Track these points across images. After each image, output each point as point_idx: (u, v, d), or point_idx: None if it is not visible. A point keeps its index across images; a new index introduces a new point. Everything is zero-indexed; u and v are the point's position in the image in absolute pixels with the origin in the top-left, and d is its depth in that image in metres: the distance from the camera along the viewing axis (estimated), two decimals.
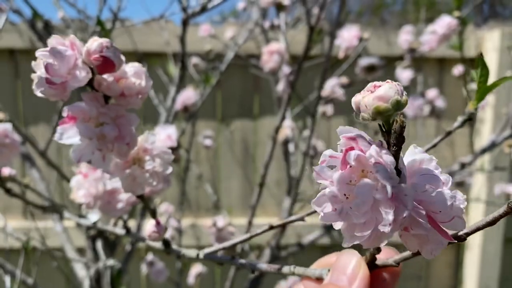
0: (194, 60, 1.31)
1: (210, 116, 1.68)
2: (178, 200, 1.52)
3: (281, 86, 0.73)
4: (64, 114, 0.37)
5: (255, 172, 1.74)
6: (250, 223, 0.73)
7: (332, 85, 0.86)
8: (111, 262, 0.84)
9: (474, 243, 1.74)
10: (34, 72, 0.35)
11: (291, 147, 1.03)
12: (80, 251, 1.12)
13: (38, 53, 0.34)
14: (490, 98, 1.64)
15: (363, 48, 1.70)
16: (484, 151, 0.89)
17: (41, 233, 1.03)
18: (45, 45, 0.35)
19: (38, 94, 0.35)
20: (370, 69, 0.71)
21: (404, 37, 0.89)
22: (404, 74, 0.98)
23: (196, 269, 1.17)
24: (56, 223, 0.99)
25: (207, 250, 0.43)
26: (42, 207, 0.60)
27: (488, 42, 1.66)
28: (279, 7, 0.86)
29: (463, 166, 0.90)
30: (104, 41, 0.35)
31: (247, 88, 1.69)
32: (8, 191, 0.57)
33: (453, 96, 1.71)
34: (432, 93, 1.01)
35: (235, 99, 1.70)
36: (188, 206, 1.70)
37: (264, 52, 0.66)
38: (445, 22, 0.67)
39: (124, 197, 0.50)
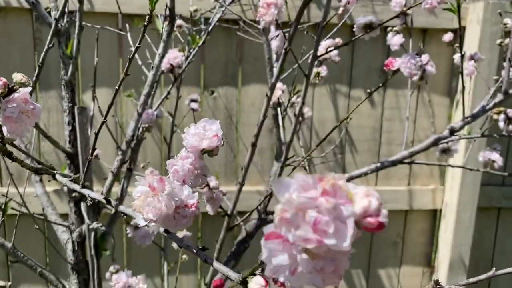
0: (178, 21, 1.26)
1: (193, 83, 1.64)
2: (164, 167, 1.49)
3: (276, 42, 0.71)
4: None
5: (238, 140, 1.72)
6: (241, 185, 0.71)
7: (327, 45, 0.84)
8: (95, 224, 0.82)
9: (449, 211, 1.79)
10: None
11: (288, 111, 1.01)
12: (62, 216, 1.09)
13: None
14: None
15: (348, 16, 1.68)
16: (474, 116, 0.89)
17: (21, 198, 0.99)
18: None
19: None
20: (368, 27, 0.69)
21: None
22: (395, 38, 0.97)
23: (180, 234, 1.15)
24: (36, 186, 0.95)
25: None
26: (36, 169, 0.57)
27: (472, 13, 1.66)
28: None
29: (452, 132, 0.91)
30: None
31: (231, 55, 1.65)
32: (10, 155, 0.53)
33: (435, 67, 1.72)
34: (422, 58, 1.01)
35: (219, 66, 1.66)
36: None
37: (260, 4, 0.64)
38: None
39: (190, 212, 0.46)
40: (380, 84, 0.85)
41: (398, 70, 0.73)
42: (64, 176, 0.56)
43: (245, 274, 0.38)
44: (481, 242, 1.90)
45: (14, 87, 0.48)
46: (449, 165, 1.04)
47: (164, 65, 0.94)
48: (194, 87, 1.65)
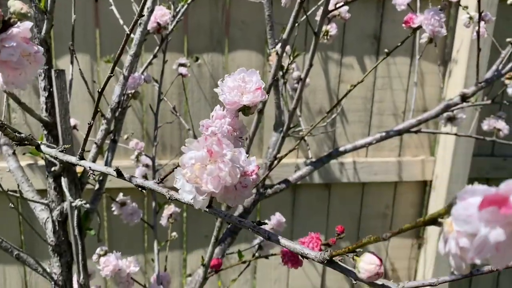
0: None
1: (176, 49, 1.53)
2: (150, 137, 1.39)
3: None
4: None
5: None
6: (248, 151, 0.64)
7: (337, 1, 0.76)
8: (78, 202, 0.73)
9: (440, 183, 1.76)
10: None
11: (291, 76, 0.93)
12: (39, 193, 0.99)
13: None
14: (465, 40, 1.60)
15: None
16: (488, 81, 0.83)
17: None
18: None
19: None
20: None
21: None
22: None
23: (169, 210, 1.08)
24: (9, 160, 0.85)
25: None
26: (20, 139, 0.47)
27: None
28: None
29: (464, 98, 0.85)
30: None
31: (217, 18, 1.54)
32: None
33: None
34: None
35: (204, 30, 1.55)
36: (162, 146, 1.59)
37: None
38: None
39: (250, 182, 0.37)
40: (388, 51, 0.77)
41: (419, 27, 0.66)
42: (50, 147, 0.47)
43: (335, 252, 0.31)
44: None
45: (12, 20, 0.36)
46: (456, 134, 0.99)
47: (151, 24, 0.84)
48: (177, 53, 1.54)
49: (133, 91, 0.79)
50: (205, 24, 1.54)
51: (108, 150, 0.85)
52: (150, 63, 0.89)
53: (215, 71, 1.59)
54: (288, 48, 0.83)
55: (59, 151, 0.47)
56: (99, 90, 0.50)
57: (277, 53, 0.64)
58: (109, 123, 0.76)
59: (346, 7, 0.82)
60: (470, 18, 0.99)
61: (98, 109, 0.77)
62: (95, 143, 0.77)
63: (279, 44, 0.83)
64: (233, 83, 0.41)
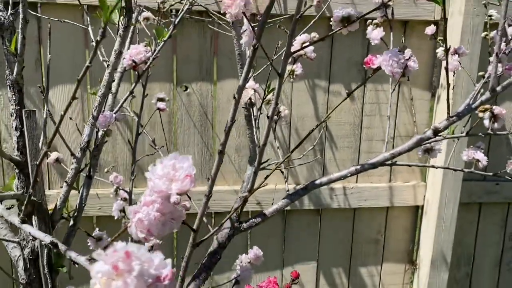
0: (145, 14, 1.17)
1: (165, 79, 1.56)
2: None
3: (245, 38, 0.64)
4: None
5: (214, 139, 1.65)
6: (208, 196, 0.64)
7: (302, 41, 0.77)
8: (49, 239, 0.73)
9: (431, 208, 1.75)
10: None
11: (255, 110, 0.94)
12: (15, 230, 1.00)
13: None
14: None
15: (326, 8, 1.61)
16: (459, 115, 0.84)
17: None
18: None
19: None
20: (346, 20, 0.62)
21: None
22: (375, 32, 0.91)
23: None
24: None
25: None
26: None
27: (453, 5, 1.61)
28: None
29: (436, 132, 0.85)
30: None
31: (205, 48, 1.57)
32: None
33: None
34: (405, 53, 0.95)
35: (193, 60, 1.57)
36: (142, 175, 1.60)
37: None
38: None
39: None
40: (359, 83, 0.79)
41: (379, 68, 0.67)
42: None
43: None
44: (463, 238, 1.88)
45: None
46: (433, 166, 0.99)
47: (126, 62, 0.85)
48: (166, 82, 1.57)
49: (105, 129, 0.81)
50: (194, 54, 1.57)
51: (83, 186, 0.86)
52: (125, 100, 0.90)
53: (204, 99, 1.61)
54: (255, 84, 0.84)
55: (26, 193, 0.48)
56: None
57: (234, 97, 0.65)
58: (79, 161, 0.78)
59: (311, 48, 0.83)
60: (445, 50, 1.00)
61: (68, 148, 0.79)
62: (66, 181, 0.78)
63: (253, 81, 0.84)
64: (162, 170, 0.42)
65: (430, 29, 1.02)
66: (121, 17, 0.66)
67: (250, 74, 0.83)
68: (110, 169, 1.24)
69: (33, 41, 1.44)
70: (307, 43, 0.73)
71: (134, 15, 1.01)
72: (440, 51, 1.02)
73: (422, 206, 1.81)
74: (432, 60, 1.72)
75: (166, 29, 1.05)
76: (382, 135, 1.76)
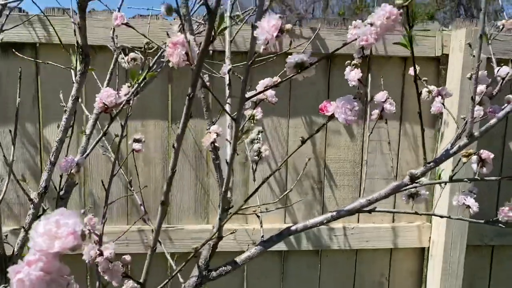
0: (132, 54, 1.18)
1: (161, 116, 1.56)
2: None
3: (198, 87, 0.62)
4: None
5: (209, 175, 1.63)
6: (153, 250, 0.61)
7: (266, 84, 0.75)
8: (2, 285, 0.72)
9: (437, 250, 1.66)
10: None
11: (227, 151, 0.92)
12: None
13: None
14: (454, 102, 1.56)
15: (321, 44, 1.60)
16: (437, 162, 0.79)
17: None
18: None
19: None
20: (300, 67, 0.60)
21: (354, 31, 0.78)
22: (352, 73, 0.88)
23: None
24: None
25: None
26: None
27: (454, 41, 1.57)
28: None
29: (413, 179, 0.81)
30: None
31: (200, 85, 1.57)
32: None
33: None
34: (380, 95, 0.92)
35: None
36: (136, 212, 1.59)
37: (167, 43, 0.55)
38: (383, 12, 0.57)
39: None
40: (318, 129, 0.75)
41: (333, 115, 0.64)
42: None
43: None
44: (476, 283, 1.77)
45: None
46: (416, 213, 0.93)
47: (97, 105, 0.85)
48: (161, 120, 1.57)
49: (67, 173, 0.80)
50: (188, 91, 1.57)
51: None
52: (97, 142, 0.90)
53: (198, 136, 1.60)
54: (218, 128, 0.82)
55: None
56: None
57: (173, 146, 0.64)
58: (36, 207, 0.77)
59: (272, 92, 0.81)
60: (429, 92, 0.96)
61: (25, 192, 0.78)
62: (23, 227, 0.77)
63: (216, 125, 0.82)
64: (44, 228, 0.40)
65: (411, 70, 0.98)
66: (79, 63, 0.66)
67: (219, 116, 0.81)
68: (87, 210, 1.23)
69: (31, 79, 1.48)
70: (268, 86, 0.71)
71: (114, 56, 1.01)
72: (424, 92, 0.98)
73: (428, 248, 1.73)
74: (450, 92, 1.66)
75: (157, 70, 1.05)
76: (384, 173, 1.70)
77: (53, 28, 1.37)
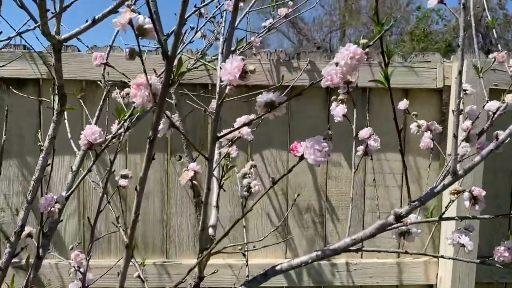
0: (127, 90, 1.20)
1: (159, 148, 1.57)
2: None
3: (161, 125, 0.62)
4: None
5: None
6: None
7: (242, 121, 0.75)
8: None
9: (444, 287, 1.60)
10: None
11: (214, 187, 0.91)
12: None
13: None
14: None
15: (319, 76, 1.60)
16: (422, 200, 0.77)
17: None
18: None
19: None
20: (270, 106, 0.60)
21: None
22: (338, 109, 0.87)
23: None
24: None
25: None
26: None
27: (455, 72, 1.55)
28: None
29: (398, 218, 0.78)
30: None
31: (198, 118, 1.58)
32: None
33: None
34: (364, 132, 0.90)
35: (186, 129, 1.58)
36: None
37: (131, 85, 0.56)
38: (348, 52, 0.56)
39: None
40: (290, 169, 0.73)
41: (303, 155, 0.62)
42: None
43: None
44: None
45: None
46: (406, 252, 0.90)
47: (82, 142, 0.86)
48: (160, 152, 1.58)
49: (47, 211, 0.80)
50: (187, 123, 1.58)
51: (31, 267, 0.84)
52: (82, 180, 0.90)
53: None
54: (196, 166, 0.81)
55: None
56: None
57: (136, 188, 0.64)
58: (13, 246, 0.77)
59: (248, 129, 0.81)
60: (418, 126, 0.94)
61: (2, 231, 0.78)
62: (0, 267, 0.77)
63: (194, 163, 0.82)
64: None
65: (403, 104, 0.97)
66: (56, 102, 0.67)
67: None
68: (75, 245, 1.22)
69: (34, 113, 1.51)
70: (243, 123, 0.70)
71: (104, 93, 1.03)
72: (413, 126, 0.96)
73: (435, 285, 1.66)
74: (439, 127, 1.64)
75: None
76: (387, 207, 1.66)
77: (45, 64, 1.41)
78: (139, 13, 0.60)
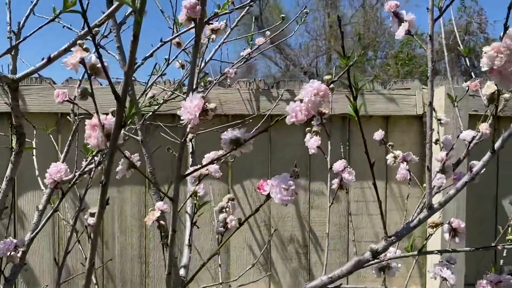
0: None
1: (136, 181, 1.53)
2: None
3: (120, 166, 0.60)
4: None
5: (193, 246, 1.57)
6: None
7: (211, 158, 0.72)
8: None
9: None
10: None
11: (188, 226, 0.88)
12: None
13: None
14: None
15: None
16: (398, 236, 0.74)
17: None
18: None
19: None
20: (236, 143, 0.57)
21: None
22: (312, 141, 0.85)
23: None
24: None
25: None
26: None
27: (434, 99, 1.55)
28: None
29: (375, 255, 0.75)
30: None
31: (176, 150, 1.55)
32: None
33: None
34: (338, 165, 0.88)
35: (165, 161, 1.55)
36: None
37: (86, 126, 0.53)
38: (311, 88, 0.54)
39: None
40: (257, 208, 0.71)
41: (269, 194, 0.60)
42: None
43: None
44: None
45: None
46: (385, 287, 0.86)
47: (48, 181, 0.83)
48: (138, 185, 1.54)
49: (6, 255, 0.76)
50: (165, 157, 1.54)
51: None
52: (47, 220, 0.86)
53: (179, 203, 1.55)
54: (163, 205, 0.78)
55: None
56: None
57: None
58: None
59: (216, 166, 0.78)
60: (395, 157, 0.92)
61: None
62: None
63: (161, 202, 0.78)
64: None
65: (378, 135, 0.95)
66: (14, 142, 0.64)
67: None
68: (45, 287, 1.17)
69: (6, 148, 1.47)
70: (211, 159, 0.68)
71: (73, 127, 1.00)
72: (390, 157, 0.94)
73: None
74: (421, 155, 1.63)
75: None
76: (372, 236, 1.63)
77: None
78: (103, 48, 0.58)
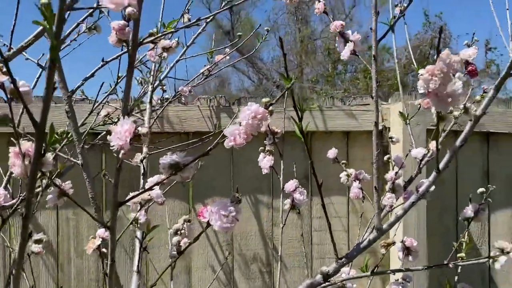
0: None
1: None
2: None
3: (50, 196, 0.57)
4: None
5: (148, 265, 1.52)
6: None
7: (155, 182, 0.69)
8: None
9: None
10: None
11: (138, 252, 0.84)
12: None
13: None
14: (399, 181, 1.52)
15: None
16: (349, 257, 0.73)
17: None
18: None
19: None
20: (175, 168, 0.55)
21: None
22: (265, 161, 0.84)
23: None
24: None
25: None
26: None
27: (393, 114, 1.57)
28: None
29: (326, 277, 0.74)
30: None
31: (130, 169, 1.51)
32: None
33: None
34: (289, 185, 0.87)
35: (124, 181, 1.50)
36: None
37: (10, 154, 0.50)
38: (249, 111, 0.53)
39: None
40: (198, 235, 0.68)
41: (209, 222, 0.58)
42: None
43: None
44: None
45: None
46: None
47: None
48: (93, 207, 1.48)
49: None
50: (125, 177, 1.50)
51: None
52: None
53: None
54: (105, 233, 0.76)
55: None
56: None
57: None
58: None
59: (159, 191, 0.76)
60: (348, 175, 0.92)
61: None
62: None
63: (103, 229, 0.75)
64: None
65: (332, 153, 0.95)
66: None
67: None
68: None
69: None
70: (155, 183, 0.65)
71: None
72: (343, 175, 0.94)
73: None
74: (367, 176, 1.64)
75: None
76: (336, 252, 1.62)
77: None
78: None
